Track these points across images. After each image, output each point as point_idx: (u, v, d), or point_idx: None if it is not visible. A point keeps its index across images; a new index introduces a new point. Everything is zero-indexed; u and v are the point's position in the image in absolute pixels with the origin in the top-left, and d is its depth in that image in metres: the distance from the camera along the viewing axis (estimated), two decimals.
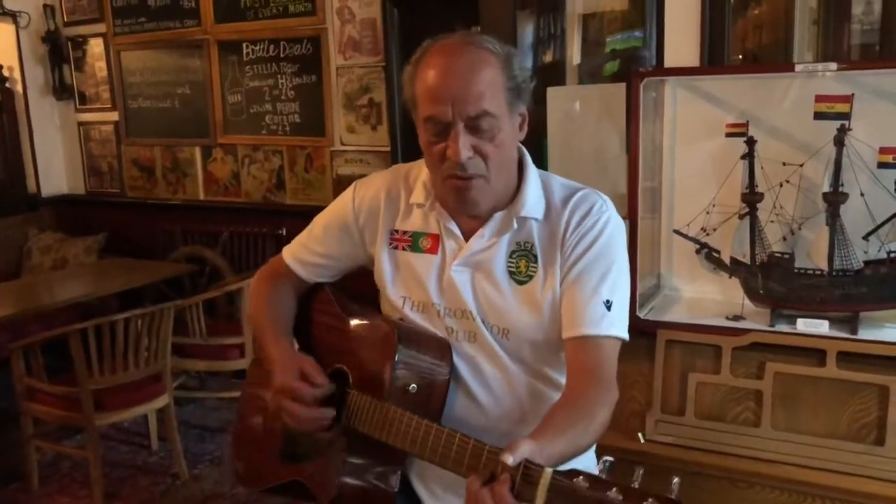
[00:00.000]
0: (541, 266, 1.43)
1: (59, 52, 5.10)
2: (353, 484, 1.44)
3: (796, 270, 2.17)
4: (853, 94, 2.06)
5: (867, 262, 2.11)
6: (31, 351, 3.29)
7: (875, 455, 1.92)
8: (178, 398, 3.78)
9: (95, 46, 5.04)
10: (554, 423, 1.25)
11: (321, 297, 1.67)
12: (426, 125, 1.37)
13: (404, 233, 1.53)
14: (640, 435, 2.13)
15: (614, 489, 0.98)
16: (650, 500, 0.95)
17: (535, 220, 1.44)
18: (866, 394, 1.98)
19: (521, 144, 1.47)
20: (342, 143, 4.30)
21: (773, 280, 2.18)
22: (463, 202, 1.41)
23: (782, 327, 2.14)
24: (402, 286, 1.52)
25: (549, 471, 1.06)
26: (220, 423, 4.02)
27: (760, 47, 2.91)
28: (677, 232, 2.36)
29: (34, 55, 5.11)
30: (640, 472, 1.01)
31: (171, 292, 4.32)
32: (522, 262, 1.44)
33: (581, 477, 1.01)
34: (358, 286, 1.65)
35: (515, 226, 1.44)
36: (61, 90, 5.15)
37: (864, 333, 2.07)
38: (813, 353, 2.04)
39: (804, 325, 2.11)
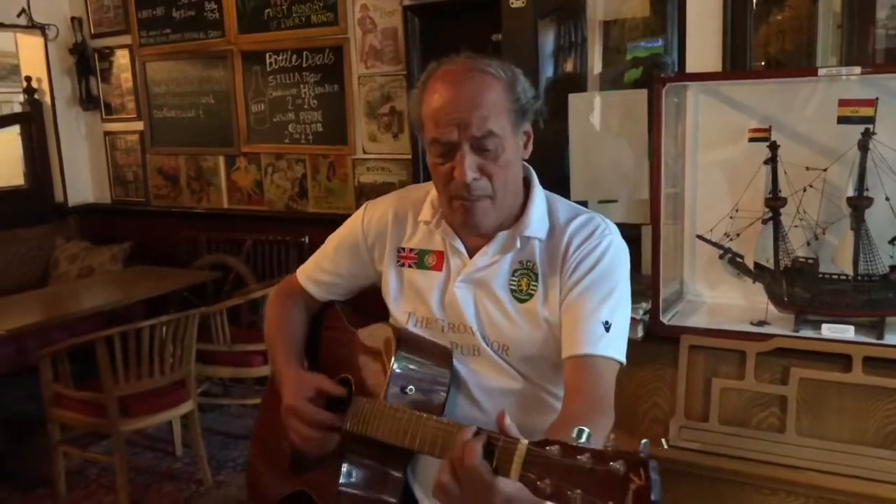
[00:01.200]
0: (541, 284, 1.45)
1: (86, 63, 5.17)
2: (350, 492, 1.45)
3: (821, 275, 2.16)
4: (877, 98, 2.05)
5: (892, 267, 2.09)
6: (59, 358, 3.33)
7: None
8: (203, 405, 3.80)
9: (121, 58, 5.11)
10: None
11: (330, 314, 1.72)
12: (432, 147, 1.41)
13: (411, 250, 1.57)
14: (663, 441, 2.12)
15: (585, 454, 0.97)
16: (620, 460, 0.94)
17: (539, 239, 1.47)
18: (893, 399, 1.96)
19: (527, 164, 1.50)
20: (364, 152, 4.33)
21: (797, 285, 2.17)
22: (469, 222, 1.43)
23: (807, 333, 2.13)
24: (407, 302, 1.56)
25: (524, 441, 1.05)
26: (243, 430, 4.04)
27: (783, 53, 2.90)
28: (700, 237, 2.36)
29: (62, 66, 5.18)
30: (612, 436, 1.00)
31: (195, 299, 4.36)
32: (524, 281, 1.47)
33: (555, 445, 1.00)
34: (370, 306, 1.68)
35: (518, 245, 1.46)
36: (88, 101, 5.22)
37: (890, 339, 2.05)
38: (838, 358, 2.03)
39: (829, 330, 2.10)
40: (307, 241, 4.41)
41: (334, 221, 1.72)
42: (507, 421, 1.11)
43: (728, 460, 2.04)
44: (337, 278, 1.67)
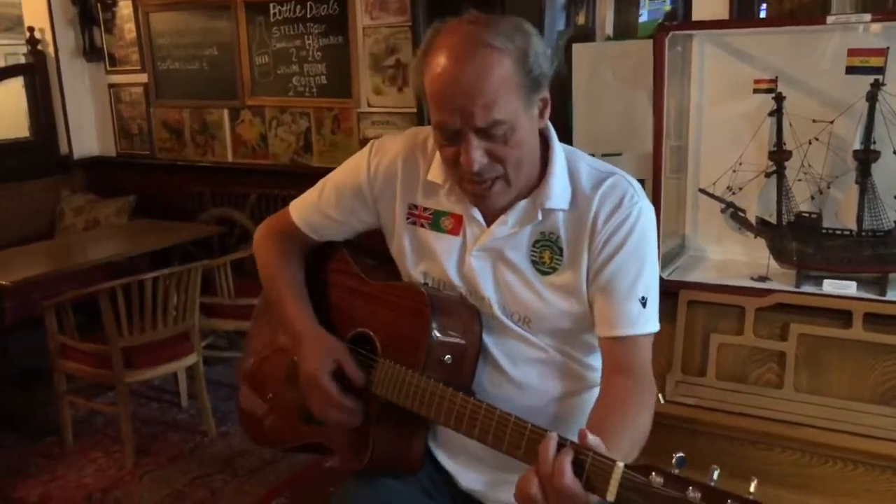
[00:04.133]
0: (566, 258, 1.39)
1: (89, 14, 5.12)
2: (382, 449, 1.44)
3: (824, 230, 2.13)
4: (888, 48, 1.99)
5: None
6: (63, 309, 3.36)
7: None
8: (207, 357, 3.82)
9: (124, 8, 5.04)
10: (606, 436, 1.17)
11: (337, 256, 1.63)
12: (435, 130, 1.32)
13: (425, 209, 1.48)
14: (659, 396, 2.11)
15: (691, 488, 0.95)
16: (730, 500, 0.92)
17: (562, 210, 1.39)
18: (893, 356, 1.93)
19: (548, 122, 1.40)
20: (369, 105, 4.28)
21: (799, 240, 2.14)
22: (482, 204, 1.38)
23: (808, 288, 2.10)
24: (422, 263, 1.49)
25: (620, 464, 1.04)
26: None
27: (800, 6, 2.82)
28: (703, 191, 2.32)
29: (64, 18, 5.12)
30: (716, 471, 0.97)
31: (199, 253, 4.36)
32: (546, 253, 1.40)
33: (655, 473, 0.99)
34: (372, 243, 1.62)
35: (540, 216, 1.39)
36: (91, 52, 5.18)
37: (892, 295, 2.02)
38: (839, 314, 2.00)
39: (831, 286, 2.07)
40: None
41: None
42: (591, 437, 1.09)
43: (725, 416, 2.03)
44: (336, 223, 1.58)
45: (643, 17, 3.20)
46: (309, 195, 1.62)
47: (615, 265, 1.35)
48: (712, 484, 0.97)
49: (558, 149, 1.41)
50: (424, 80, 1.31)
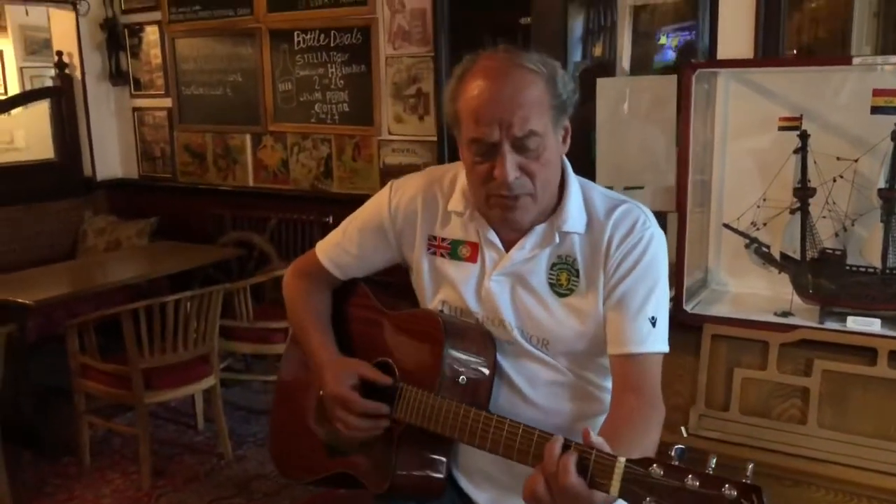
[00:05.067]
0: (583, 280, 1.44)
1: (117, 39, 5.20)
2: (404, 474, 1.47)
3: (848, 267, 2.14)
4: None
5: None
6: (85, 329, 3.39)
7: None
8: (225, 380, 3.84)
9: (151, 34, 5.13)
10: (615, 450, 1.23)
11: (358, 291, 1.70)
12: (471, 146, 1.38)
13: (443, 240, 1.54)
14: (682, 429, 2.12)
15: (690, 476, 0.98)
16: (727, 485, 0.95)
17: (578, 234, 1.45)
18: None
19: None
20: (390, 133, 4.33)
21: (823, 277, 2.15)
22: (508, 219, 1.42)
23: (832, 325, 2.11)
24: (441, 292, 1.54)
25: (622, 459, 1.07)
26: (264, 406, 4.08)
27: (817, 41, 2.86)
28: (727, 226, 2.34)
29: (92, 42, 5.21)
30: (714, 459, 1.01)
31: (219, 276, 4.40)
32: (563, 275, 1.45)
33: (655, 464, 1.02)
34: (391, 277, 1.68)
35: (557, 239, 1.45)
36: (117, 76, 5.26)
37: None
38: (863, 351, 2.01)
39: (855, 322, 2.08)
40: (331, 220, 4.42)
41: (358, 201, 1.69)
42: (594, 435, 1.13)
43: (748, 450, 2.03)
44: (360, 260, 1.65)
45: (668, 57, 3.23)
46: (333, 236, 1.69)
47: (627, 284, 1.41)
48: (709, 471, 1.00)
49: (573, 177, 1.49)
50: (459, 104, 1.39)
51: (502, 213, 1.41)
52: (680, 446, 1.06)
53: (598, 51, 4.00)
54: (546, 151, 1.36)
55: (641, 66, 3.37)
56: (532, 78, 1.34)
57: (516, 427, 1.27)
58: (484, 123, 1.34)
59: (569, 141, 1.45)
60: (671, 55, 3.24)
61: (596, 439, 1.13)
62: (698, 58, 2.81)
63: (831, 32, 2.87)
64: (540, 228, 1.45)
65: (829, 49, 2.85)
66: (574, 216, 1.44)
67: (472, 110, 1.35)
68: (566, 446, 1.15)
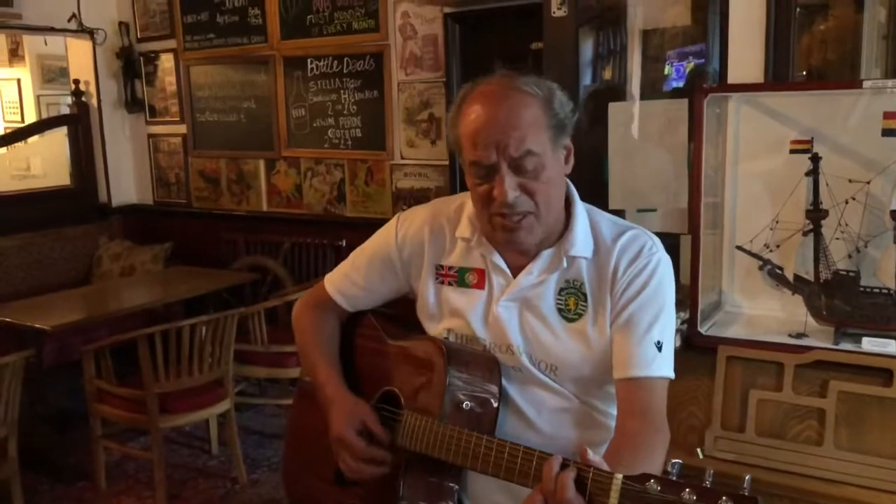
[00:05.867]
0: (590, 304, 1.45)
1: (132, 67, 5.30)
2: (412, 500, 1.47)
3: (862, 289, 2.14)
4: None
5: None
6: (101, 354, 3.42)
7: None
8: (239, 404, 3.86)
9: (166, 62, 5.22)
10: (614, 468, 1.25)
11: (364, 322, 1.71)
12: (471, 169, 1.40)
13: (450, 268, 1.55)
14: (698, 451, 2.11)
15: (687, 490, 0.99)
16: (724, 498, 0.95)
17: (585, 258, 1.46)
18: None
19: (567, 180, 1.49)
20: (402, 157, 4.37)
21: (837, 298, 2.15)
22: (512, 240, 1.43)
23: (846, 346, 2.11)
24: (446, 320, 1.55)
25: (619, 476, 1.08)
26: (278, 430, 4.10)
27: (826, 63, 2.87)
28: (740, 248, 2.35)
29: (108, 70, 5.31)
30: (711, 472, 1.02)
31: (233, 300, 4.43)
32: (571, 300, 1.46)
33: (652, 480, 1.03)
34: (401, 312, 1.69)
35: (565, 264, 1.46)
36: (133, 103, 5.35)
37: None
38: (879, 372, 2.00)
39: (870, 343, 2.07)
40: (344, 244, 4.46)
41: (372, 226, 1.72)
42: (591, 454, 1.14)
43: (764, 472, 2.02)
44: (368, 292, 1.66)
45: (678, 83, 3.24)
46: (341, 268, 1.71)
47: (633, 307, 1.41)
48: (706, 485, 1.00)
49: (580, 203, 1.50)
50: (459, 129, 1.41)
51: (506, 234, 1.42)
52: (677, 461, 1.06)
53: (608, 74, 4.02)
54: (546, 171, 1.37)
55: (651, 89, 3.40)
56: (527, 100, 1.37)
57: (517, 449, 1.27)
58: (481, 146, 1.36)
59: (572, 161, 1.46)
60: (678, 83, 3.27)
61: (594, 458, 1.14)
62: (708, 82, 2.83)
63: (841, 55, 2.88)
64: (547, 253, 1.46)
65: (839, 71, 2.86)
66: (581, 241, 1.45)
67: (471, 134, 1.38)
68: (564, 465, 1.15)
